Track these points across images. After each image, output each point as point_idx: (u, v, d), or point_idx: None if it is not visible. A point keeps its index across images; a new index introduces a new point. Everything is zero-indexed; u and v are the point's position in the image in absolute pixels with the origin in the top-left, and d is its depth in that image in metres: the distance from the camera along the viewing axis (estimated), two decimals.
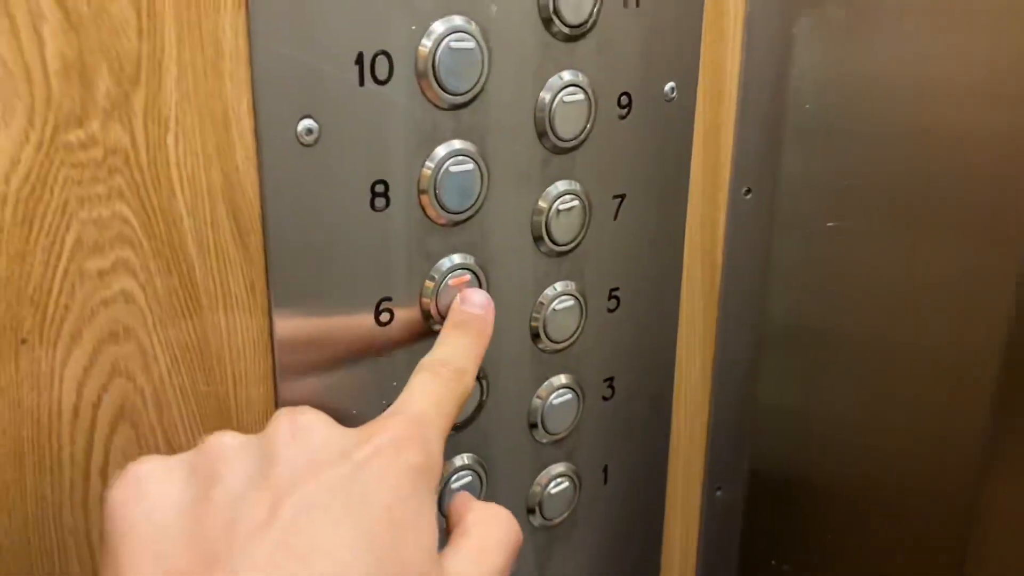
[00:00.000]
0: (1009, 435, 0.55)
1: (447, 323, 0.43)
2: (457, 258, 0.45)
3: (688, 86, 0.52)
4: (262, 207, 0.39)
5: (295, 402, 0.41)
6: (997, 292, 0.53)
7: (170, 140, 0.36)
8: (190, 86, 0.36)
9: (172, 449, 0.39)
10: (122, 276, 0.36)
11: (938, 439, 0.57)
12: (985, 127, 0.51)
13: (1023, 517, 0.56)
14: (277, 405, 0.41)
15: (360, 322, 0.43)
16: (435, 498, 0.33)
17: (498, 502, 0.51)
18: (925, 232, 0.54)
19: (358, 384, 0.44)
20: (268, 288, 0.40)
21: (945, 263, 0.54)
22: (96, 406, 0.37)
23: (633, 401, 0.56)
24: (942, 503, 0.58)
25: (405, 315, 0.44)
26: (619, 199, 0.51)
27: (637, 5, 0.47)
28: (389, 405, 0.45)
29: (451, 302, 0.44)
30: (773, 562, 0.66)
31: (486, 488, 0.50)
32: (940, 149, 0.53)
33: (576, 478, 0.54)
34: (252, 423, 0.41)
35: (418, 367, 0.39)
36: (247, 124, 0.37)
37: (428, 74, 0.41)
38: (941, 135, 0.53)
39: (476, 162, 0.44)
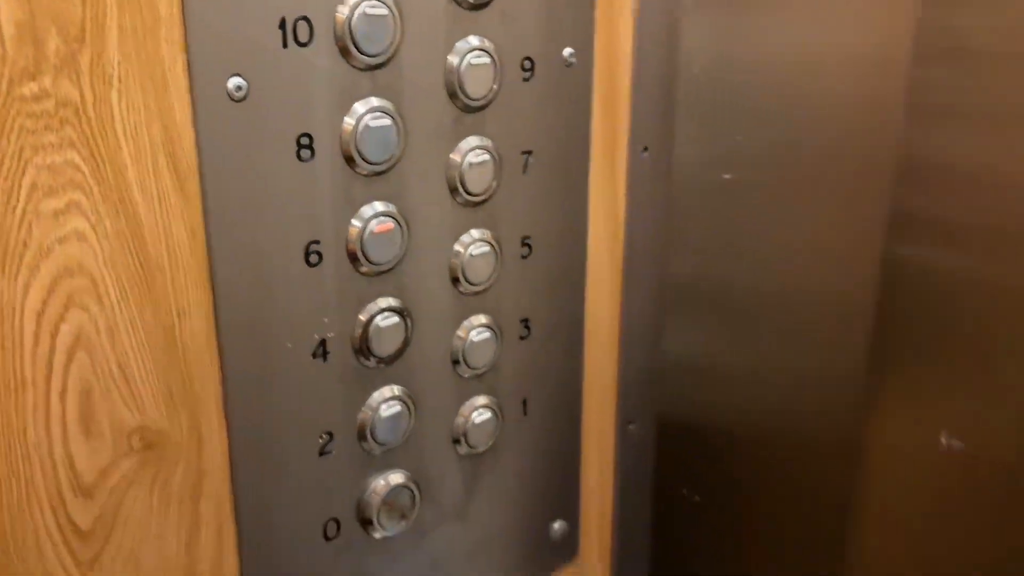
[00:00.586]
0: (885, 378, 0.61)
1: None
2: (379, 206, 0.50)
3: (585, 51, 0.58)
4: (199, 157, 0.43)
5: (234, 333, 0.46)
6: (867, 243, 0.59)
7: (114, 96, 0.40)
8: (131, 48, 0.40)
9: (124, 375, 0.43)
10: (74, 217, 0.40)
11: (821, 382, 0.63)
12: (852, 93, 0.57)
13: (899, 453, 0.62)
14: (218, 337, 0.46)
15: (291, 263, 0.48)
16: None
17: (425, 432, 0.57)
18: (803, 186, 0.61)
19: (292, 320, 0.49)
20: (207, 231, 0.45)
21: (822, 215, 0.61)
22: (54, 335, 0.41)
23: (548, 340, 0.62)
24: (826, 441, 0.64)
25: (333, 257, 0.49)
26: (527, 155, 0.57)
27: None
28: (321, 339, 0.50)
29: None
30: (684, 491, 0.72)
31: (414, 418, 0.55)
32: (814, 111, 0.59)
33: (498, 410, 0.60)
34: (196, 352, 0.46)
35: None
36: (183, 82, 0.42)
37: (345, 37, 0.46)
38: (814, 99, 0.59)
39: (393, 118, 0.49)
